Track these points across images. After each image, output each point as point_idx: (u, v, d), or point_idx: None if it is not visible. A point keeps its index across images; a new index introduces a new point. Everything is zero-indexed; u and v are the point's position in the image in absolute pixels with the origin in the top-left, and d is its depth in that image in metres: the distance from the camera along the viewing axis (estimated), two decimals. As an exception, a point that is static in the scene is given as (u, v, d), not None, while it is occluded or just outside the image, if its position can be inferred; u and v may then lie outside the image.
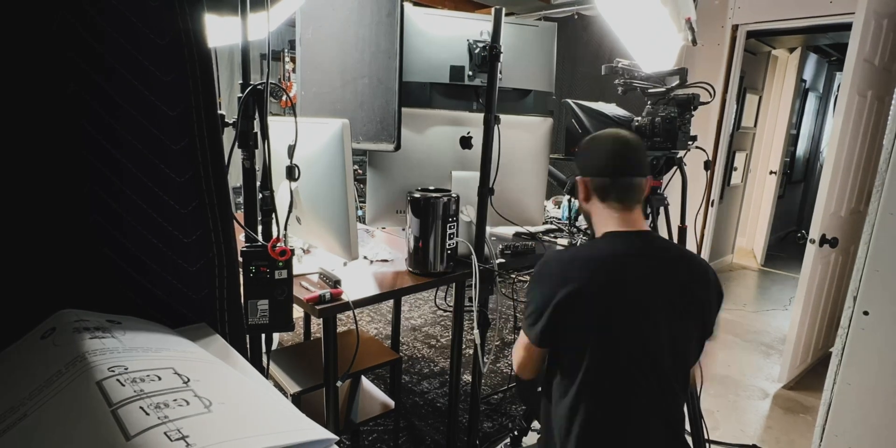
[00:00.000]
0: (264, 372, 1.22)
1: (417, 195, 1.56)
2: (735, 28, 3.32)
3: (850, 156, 2.43)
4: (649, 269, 1.12)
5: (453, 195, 1.59)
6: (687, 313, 1.14)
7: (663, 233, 1.81)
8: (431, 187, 1.66)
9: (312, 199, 1.49)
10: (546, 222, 2.41)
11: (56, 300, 0.59)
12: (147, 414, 0.40)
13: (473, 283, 1.59)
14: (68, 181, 0.59)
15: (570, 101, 1.84)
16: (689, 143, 1.73)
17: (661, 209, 1.81)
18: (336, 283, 1.45)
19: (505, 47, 1.58)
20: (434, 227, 1.56)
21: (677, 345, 1.12)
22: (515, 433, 2.01)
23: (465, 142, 1.77)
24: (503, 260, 1.77)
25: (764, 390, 2.71)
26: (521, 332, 1.22)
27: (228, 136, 1.00)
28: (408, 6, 1.57)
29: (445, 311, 3.51)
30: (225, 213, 0.72)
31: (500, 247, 1.87)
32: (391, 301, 2.84)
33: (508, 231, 2.09)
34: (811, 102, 5.74)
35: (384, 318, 3.45)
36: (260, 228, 1.16)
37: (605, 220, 1.19)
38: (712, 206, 3.61)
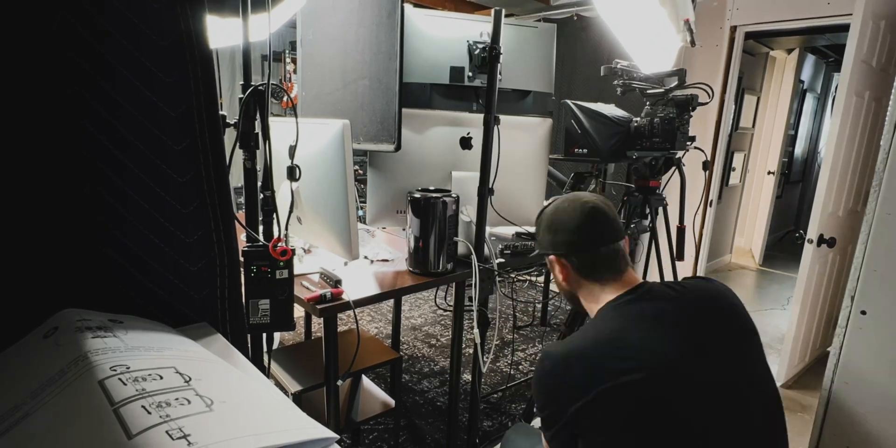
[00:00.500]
0: (265, 371, 1.22)
1: (418, 195, 1.56)
2: (733, 29, 3.32)
3: (847, 156, 2.43)
4: (675, 327, 0.93)
5: (453, 195, 1.59)
6: (740, 346, 0.95)
7: (662, 233, 1.81)
8: (431, 187, 1.66)
9: (313, 200, 1.49)
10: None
11: (58, 299, 0.59)
12: (149, 413, 0.40)
13: (473, 282, 1.59)
14: (70, 181, 0.59)
15: (569, 101, 1.84)
16: (688, 143, 1.73)
17: (660, 209, 1.81)
18: (337, 282, 1.45)
19: (505, 48, 1.58)
20: (434, 227, 1.56)
21: (756, 386, 0.94)
22: (515, 432, 2.01)
23: (465, 142, 1.77)
24: (503, 259, 1.77)
25: (762, 389, 2.71)
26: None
27: (230, 136, 1.00)
28: (408, 7, 1.57)
29: (445, 310, 3.51)
30: (226, 213, 0.72)
31: (500, 246, 1.87)
32: (391, 300, 2.84)
33: (508, 231, 2.09)
34: (809, 103, 5.74)
35: (384, 317, 3.45)
36: (261, 228, 1.16)
37: (598, 295, 1.02)
38: (711, 206, 3.61)
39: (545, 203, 1.15)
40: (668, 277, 1.78)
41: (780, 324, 3.50)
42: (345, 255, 1.45)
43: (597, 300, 1.02)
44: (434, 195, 1.56)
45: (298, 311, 2.00)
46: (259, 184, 1.14)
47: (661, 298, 0.97)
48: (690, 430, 0.86)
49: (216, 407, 0.43)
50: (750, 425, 0.91)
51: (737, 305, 1.01)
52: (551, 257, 1.08)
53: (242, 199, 1.15)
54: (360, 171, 3.38)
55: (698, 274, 3.69)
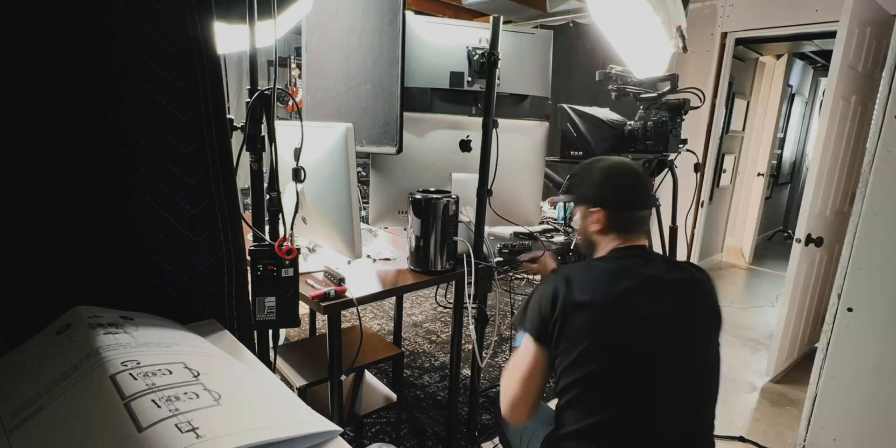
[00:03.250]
0: (271, 366, 1.22)
1: (419, 196, 1.56)
2: (724, 35, 3.32)
3: (834, 158, 2.43)
4: (655, 278, 1.07)
5: (453, 196, 1.59)
6: (700, 315, 1.10)
7: (655, 232, 1.81)
8: (432, 189, 1.66)
9: (318, 200, 1.49)
10: (542, 222, 2.41)
11: (71, 297, 0.59)
12: (158, 407, 0.40)
13: (472, 280, 1.59)
14: (82, 183, 0.59)
15: (565, 105, 1.84)
16: (680, 146, 1.73)
17: (654, 210, 1.81)
18: (340, 280, 1.45)
19: (503, 54, 1.58)
20: (434, 226, 1.56)
21: (697, 352, 1.08)
22: (513, 425, 2.01)
23: (465, 145, 1.77)
24: (501, 258, 1.77)
25: (752, 384, 2.71)
26: (515, 351, 1.13)
27: (237, 139, 1.00)
28: (409, 15, 1.57)
29: (445, 307, 3.51)
30: (233, 213, 0.72)
31: (498, 246, 1.87)
32: (393, 298, 2.84)
33: (506, 231, 2.09)
34: (797, 107, 5.74)
35: (387, 314, 3.45)
36: (267, 228, 1.16)
37: (613, 243, 1.17)
38: (702, 206, 3.61)
39: (587, 162, 1.25)
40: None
41: (770, 320, 3.50)
42: (348, 254, 1.45)
43: (608, 248, 1.18)
44: (434, 196, 1.56)
45: (303, 309, 1.99)
46: (265, 185, 1.14)
47: (651, 259, 1.13)
48: (634, 359, 1.02)
49: (224, 401, 0.43)
50: (688, 378, 1.05)
51: (710, 292, 1.12)
52: (592, 209, 1.17)
53: (249, 200, 1.15)
54: (363, 173, 3.37)
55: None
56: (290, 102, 4.35)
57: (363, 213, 2.22)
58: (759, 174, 5.13)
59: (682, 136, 1.73)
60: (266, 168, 1.12)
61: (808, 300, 2.73)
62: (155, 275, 0.65)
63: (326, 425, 0.45)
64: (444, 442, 2.03)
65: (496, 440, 2.08)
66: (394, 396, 1.90)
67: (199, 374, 0.47)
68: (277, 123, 1.11)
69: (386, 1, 1.51)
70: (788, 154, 5.91)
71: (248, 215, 1.17)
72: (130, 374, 0.44)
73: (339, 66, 1.77)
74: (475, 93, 1.81)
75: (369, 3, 1.58)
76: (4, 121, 0.54)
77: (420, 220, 1.56)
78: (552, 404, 1.19)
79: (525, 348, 1.11)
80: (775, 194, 5.83)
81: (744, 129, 4.97)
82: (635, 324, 1.04)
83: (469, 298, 1.61)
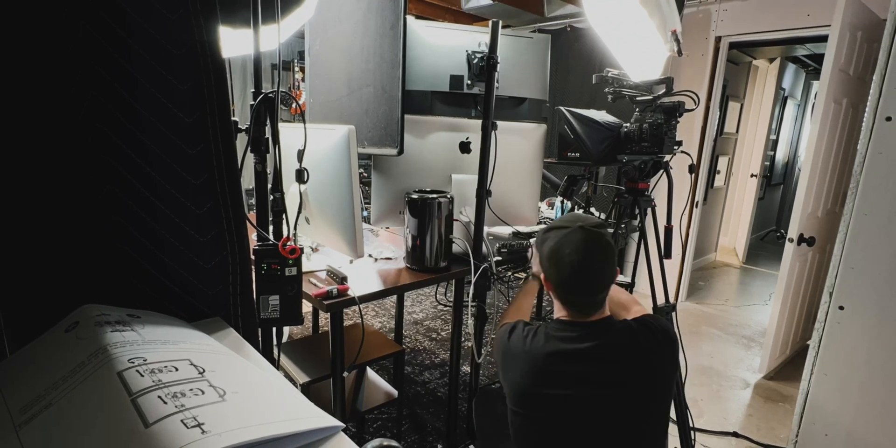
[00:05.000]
0: (275, 363, 1.22)
1: (415, 196, 1.56)
2: (718, 39, 3.32)
3: (826, 159, 2.43)
4: (584, 368, 1.07)
5: (448, 196, 1.59)
6: (629, 397, 1.08)
7: (650, 232, 1.81)
8: (428, 189, 1.66)
9: (320, 201, 1.49)
10: (540, 222, 2.41)
11: (80, 296, 0.59)
12: (165, 403, 0.40)
13: (471, 279, 1.59)
14: (90, 184, 0.59)
15: (562, 108, 1.83)
16: (675, 147, 1.73)
17: (649, 210, 1.81)
18: (343, 279, 1.45)
19: (501, 58, 1.58)
20: (430, 225, 1.56)
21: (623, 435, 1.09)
22: (511, 421, 2.01)
23: (464, 147, 1.77)
24: (499, 258, 1.77)
25: (745, 380, 2.71)
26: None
27: (241, 141, 1.00)
28: (410, 19, 1.57)
29: (446, 305, 3.51)
30: (238, 213, 0.72)
31: (497, 245, 1.87)
32: (395, 296, 2.84)
33: (504, 231, 2.09)
34: (790, 109, 5.74)
35: (388, 312, 3.45)
36: (271, 228, 1.16)
37: (561, 311, 1.16)
38: (697, 207, 3.61)
39: (553, 223, 1.19)
40: (657, 275, 1.78)
41: (762, 318, 3.50)
42: (350, 254, 1.45)
43: (558, 312, 1.18)
44: (430, 196, 1.56)
45: (306, 307, 2.00)
46: (269, 186, 1.14)
47: (598, 335, 1.10)
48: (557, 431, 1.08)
49: (229, 397, 0.43)
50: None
51: (649, 376, 1.09)
52: (542, 276, 1.19)
53: (253, 201, 1.15)
54: (365, 174, 3.37)
55: (684, 270, 3.69)
56: (294, 105, 4.35)
57: (365, 213, 2.21)
58: (752, 175, 5.13)
59: (677, 138, 1.72)
60: (270, 169, 1.12)
61: (801, 298, 2.74)
62: (161, 274, 0.65)
63: (329, 421, 0.45)
64: (444, 437, 2.03)
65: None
66: (395, 393, 1.90)
67: (204, 370, 0.47)
68: (281, 125, 1.11)
69: (387, 5, 1.51)
70: (781, 155, 5.91)
71: (252, 215, 1.17)
72: (137, 370, 0.44)
73: (342, 70, 1.77)
74: (474, 95, 1.81)
75: (371, 8, 1.58)
76: (17, 123, 0.54)
77: (416, 220, 1.56)
78: None
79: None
80: (768, 195, 5.83)
81: (737, 131, 4.97)
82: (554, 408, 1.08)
83: (469, 297, 1.61)
